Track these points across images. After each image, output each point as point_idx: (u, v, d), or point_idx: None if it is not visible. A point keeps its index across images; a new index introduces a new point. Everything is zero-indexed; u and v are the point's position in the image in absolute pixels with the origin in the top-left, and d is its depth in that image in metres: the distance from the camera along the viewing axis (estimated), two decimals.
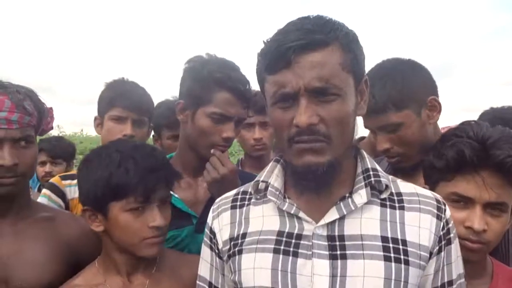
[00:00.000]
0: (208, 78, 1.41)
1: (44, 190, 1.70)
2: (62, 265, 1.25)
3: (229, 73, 1.41)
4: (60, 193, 1.70)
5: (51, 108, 1.33)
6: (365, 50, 0.93)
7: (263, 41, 0.90)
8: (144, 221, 1.13)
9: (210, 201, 1.21)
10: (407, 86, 1.35)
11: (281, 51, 0.84)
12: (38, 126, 1.26)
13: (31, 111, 1.20)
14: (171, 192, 1.25)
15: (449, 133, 1.17)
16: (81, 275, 1.21)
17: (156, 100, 2.43)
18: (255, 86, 1.24)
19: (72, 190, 1.72)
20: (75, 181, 1.71)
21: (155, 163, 1.15)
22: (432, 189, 1.10)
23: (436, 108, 1.39)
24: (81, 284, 1.18)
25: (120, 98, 1.78)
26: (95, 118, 1.87)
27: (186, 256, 1.11)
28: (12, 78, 1.26)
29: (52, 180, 1.78)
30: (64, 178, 1.77)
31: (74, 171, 1.87)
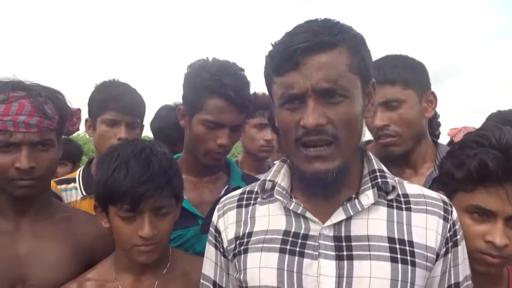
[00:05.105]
0: (200, 85, 1.41)
1: None
2: (77, 265, 1.27)
3: (222, 79, 1.39)
4: (57, 199, 1.65)
5: (78, 110, 1.33)
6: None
7: (271, 43, 0.91)
8: (134, 228, 1.12)
9: (217, 203, 1.22)
10: (415, 71, 1.44)
11: (288, 53, 0.84)
12: (61, 128, 1.26)
13: (51, 115, 1.20)
14: None
15: (469, 139, 1.10)
16: (95, 269, 1.23)
17: (158, 103, 2.45)
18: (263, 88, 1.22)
19: (69, 194, 1.71)
20: (71, 185, 1.73)
21: (148, 172, 1.10)
22: (449, 197, 1.05)
23: (432, 103, 1.45)
24: (93, 278, 1.20)
25: (113, 101, 1.74)
26: (86, 120, 1.82)
27: (199, 259, 1.11)
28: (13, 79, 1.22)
29: None
30: (59, 183, 1.74)
31: (75, 173, 1.83)
